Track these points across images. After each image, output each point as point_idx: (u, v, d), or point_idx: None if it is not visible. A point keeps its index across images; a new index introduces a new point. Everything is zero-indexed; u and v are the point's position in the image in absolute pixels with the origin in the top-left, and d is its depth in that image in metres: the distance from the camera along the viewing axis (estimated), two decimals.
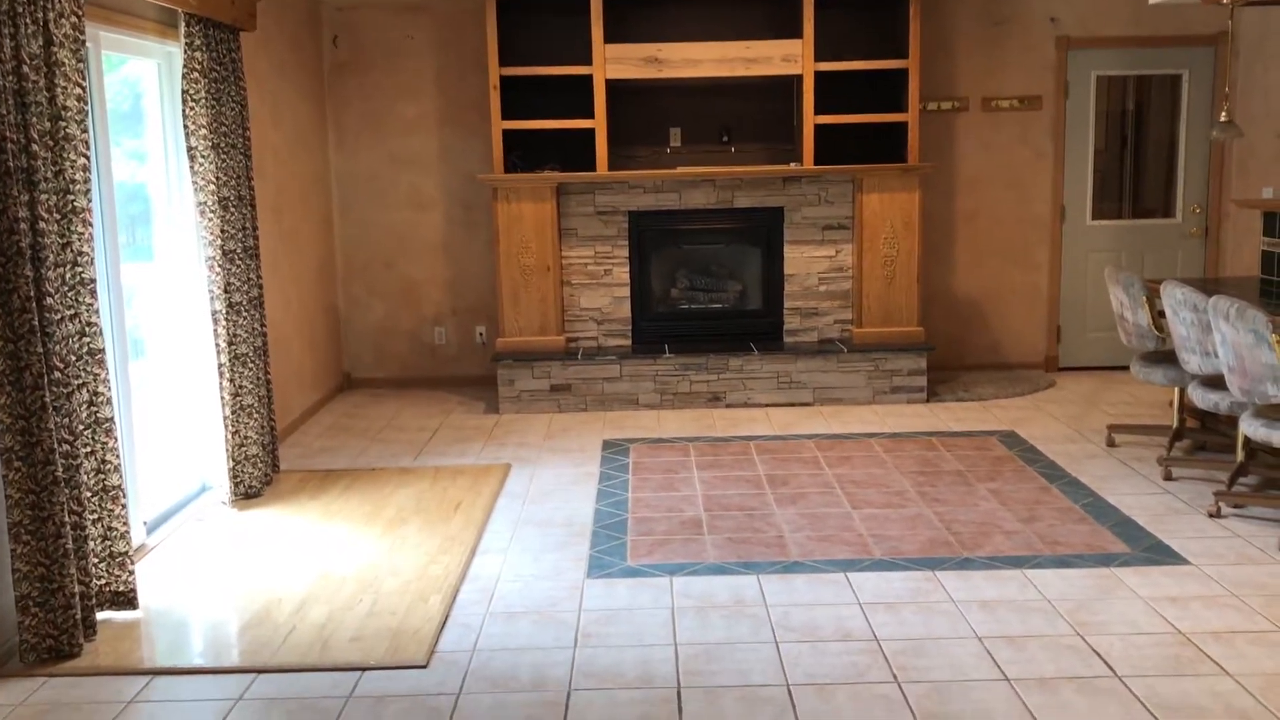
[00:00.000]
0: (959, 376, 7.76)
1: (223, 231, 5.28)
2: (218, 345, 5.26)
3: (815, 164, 7.19)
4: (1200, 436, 5.97)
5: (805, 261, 7.36)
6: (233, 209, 5.38)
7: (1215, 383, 5.14)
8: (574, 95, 7.17)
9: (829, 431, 6.49)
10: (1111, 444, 6.07)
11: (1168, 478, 5.44)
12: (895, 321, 7.28)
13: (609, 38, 7.09)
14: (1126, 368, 7.89)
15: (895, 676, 3.51)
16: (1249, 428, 4.62)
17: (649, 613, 4.03)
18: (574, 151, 7.28)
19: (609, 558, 4.58)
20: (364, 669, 3.66)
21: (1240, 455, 5.23)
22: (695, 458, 6.01)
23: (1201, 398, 5.13)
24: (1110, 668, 3.53)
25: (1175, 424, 5.85)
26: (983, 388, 7.44)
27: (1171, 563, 4.38)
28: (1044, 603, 4.03)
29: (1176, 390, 5.82)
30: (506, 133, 7.19)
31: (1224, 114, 5.88)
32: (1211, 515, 4.89)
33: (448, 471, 5.84)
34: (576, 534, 4.88)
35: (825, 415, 6.89)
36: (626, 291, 7.37)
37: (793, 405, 7.14)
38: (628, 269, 7.34)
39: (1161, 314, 5.58)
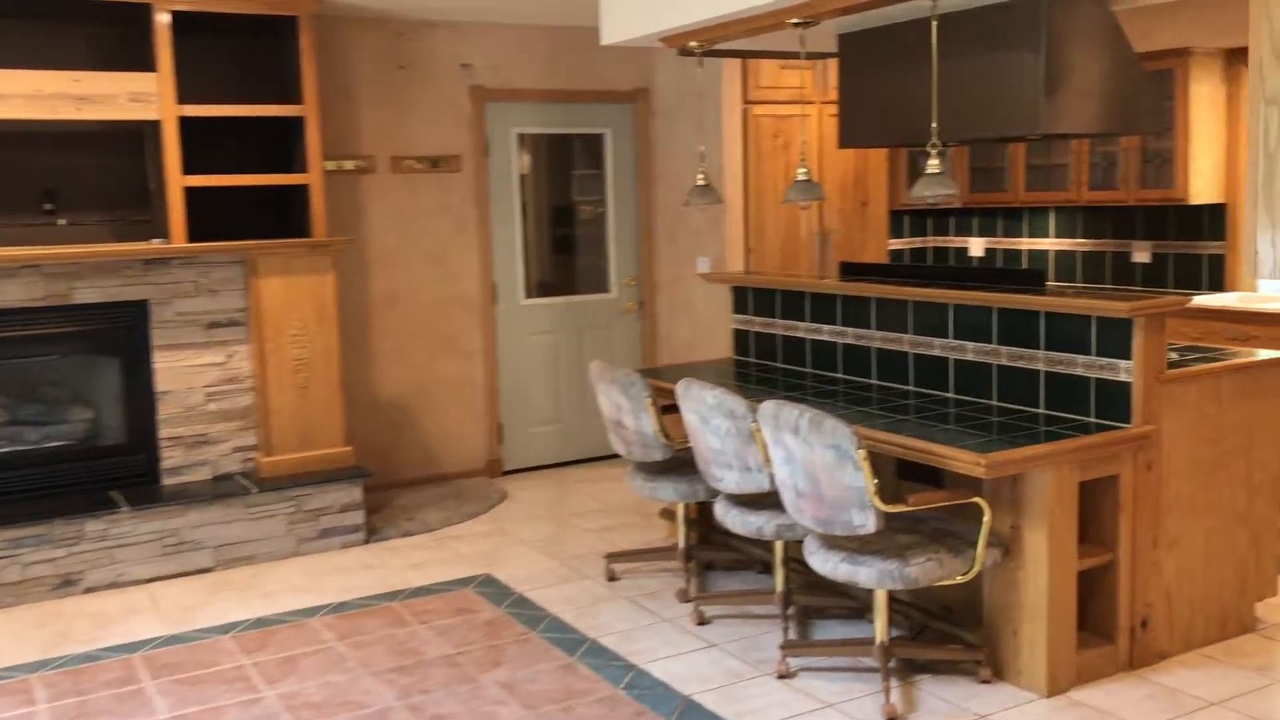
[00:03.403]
0: (395, 499, 6.23)
1: None
2: None
3: (189, 240, 5.27)
4: (705, 554, 5.05)
5: (186, 372, 5.39)
6: None
7: (753, 501, 4.17)
8: None
9: (251, 615, 4.61)
10: (613, 578, 4.93)
11: (702, 622, 4.39)
12: (316, 443, 5.57)
13: None
14: (571, 463, 6.96)
15: None
16: (825, 564, 3.67)
17: None
18: None
19: None
20: None
21: (780, 584, 4.31)
22: (47, 704, 3.83)
23: (741, 522, 4.13)
24: None
25: (684, 544, 4.85)
26: (429, 512, 5.99)
27: None
28: None
29: (683, 506, 4.82)
30: None
31: (701, 176, 5.05)
32: (782, 676, 3.88)
33: None
34: None
35: (238, 586, 4.98)
36: None
37: (188, 575, 5.12)
38: None
39: (669, 409, 4.56)
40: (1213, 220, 6.30)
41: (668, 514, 5.37)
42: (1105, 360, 3.82)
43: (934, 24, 3.88)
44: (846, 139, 5.00)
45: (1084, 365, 3.90)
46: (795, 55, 5.52)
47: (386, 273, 6.39)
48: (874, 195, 6.86)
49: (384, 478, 6.37)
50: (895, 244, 7.65)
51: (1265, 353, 4.15)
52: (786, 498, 3.77)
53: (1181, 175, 6.07)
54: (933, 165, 3.81)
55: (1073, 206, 6.87)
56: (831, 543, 3.72)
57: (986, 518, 3.58)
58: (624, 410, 4.61)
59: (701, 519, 5.22)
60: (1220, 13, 5.70)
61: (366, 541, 5.52)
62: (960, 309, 4.34)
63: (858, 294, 4.78)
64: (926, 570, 3.55)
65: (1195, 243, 6.40)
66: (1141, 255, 6.67)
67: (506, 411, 6.81)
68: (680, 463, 4.71)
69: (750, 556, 4.94)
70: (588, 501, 6.19)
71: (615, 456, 6.82)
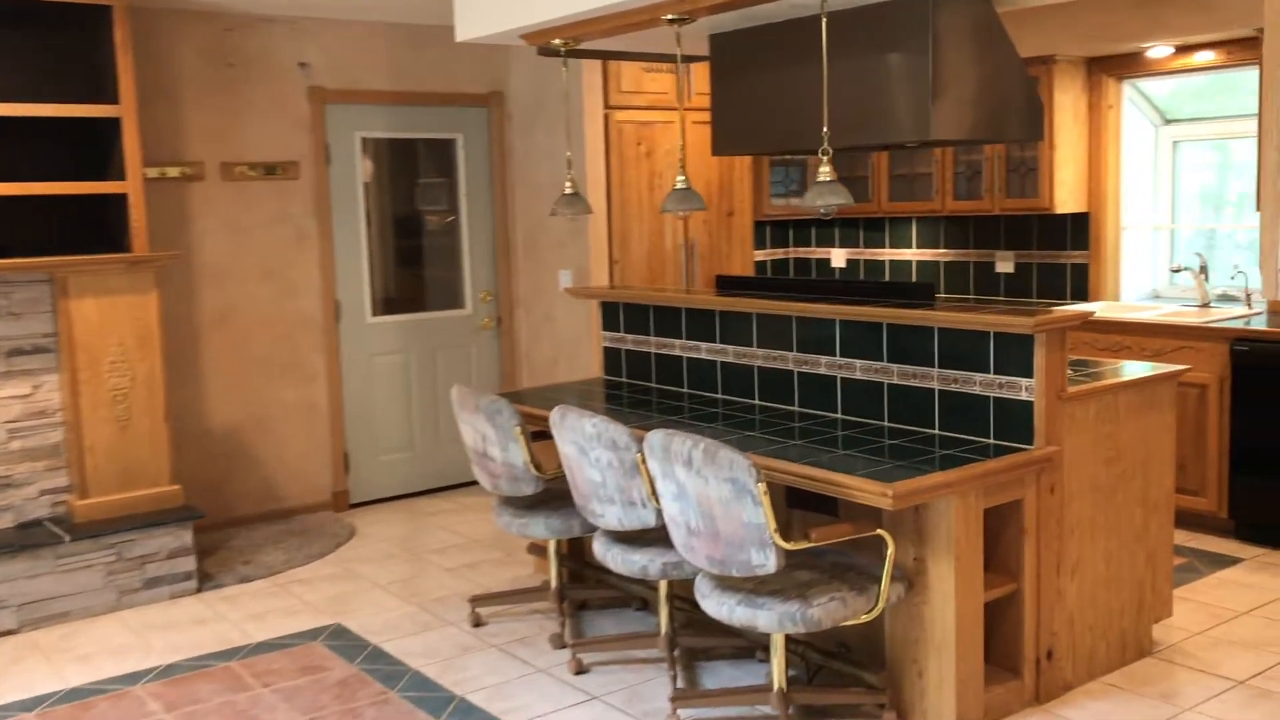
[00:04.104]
0: (231, 540, 5.66)
1: None
2: None
3: None
4: (579, 592, 4.68)
5: None
6: None
7: (635, 538, 3.83)
8: None
9: (62, 685, 4.02)
10: (479, 623, 4.51)
11: (580, 671, 4.02)
12: (139, 482, 4.98)
13: None
14: (425, 493, 6.51)
15: None
16: (720, 608, 3.35)
17: None
18: None
19: None
20: None
21: (664, 626, 3.98)
22: None
23: (623, 561, 3.78)
24: None
25: (556, 583, 4.47)
26: (269, 554, 5.44)
27: None
28: None
29: (553, 543, 4.44)
30: None
31: (569, 184, 4.68)
32: None
33: None
34: None
35: (48, 650, 4.37)
36: None
37: None
38: None
39: (538, 435, 4.21)
40: (1075, 230, 6.29)
41: (536, 548, 4.99)
42: (1005, 378, 3.62)
43: (824, 21, 3.61)
44: (720, 146, 4.71)
45: (982, 384, 3.69)
46: (663, 58, 5.24)
47: (218, 290, 5.81)
48: (739, 205, 6.63)
49: (218, 516, 5.78)
50: (759, 255, 7.46)
51: (1159, 367, 4.03)
52: (677, 536, 3.45)
53: (1047, 185, 6.02)
54: (824, 172, 3.54)
55: (936, 216, 6.79)
56: (726, 583, 3.41)
57: (890, 551, 3.32)
58: (490, 440, 4.21)
59: (573, 553, 4.87)
60: (1082, 19, 5.66)
61: (199, 590, 4.96)
62: (848, 325, 4.09)
63: (737, 309, 4.49)
64: (830, 611, 3.27)
65: (1059, 252, 6.37)
66: (1005, 265, 6.62)
67: (353, 439, 6.30)
68: (552, 495, 4.34)
69: (627, 593, 4.60)
70: (446, 535, 5.74)
71: (472, 483, 6.42)
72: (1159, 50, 5.73)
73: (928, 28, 3.84)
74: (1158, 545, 4.01)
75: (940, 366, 3.81)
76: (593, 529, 4.09)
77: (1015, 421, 3.61)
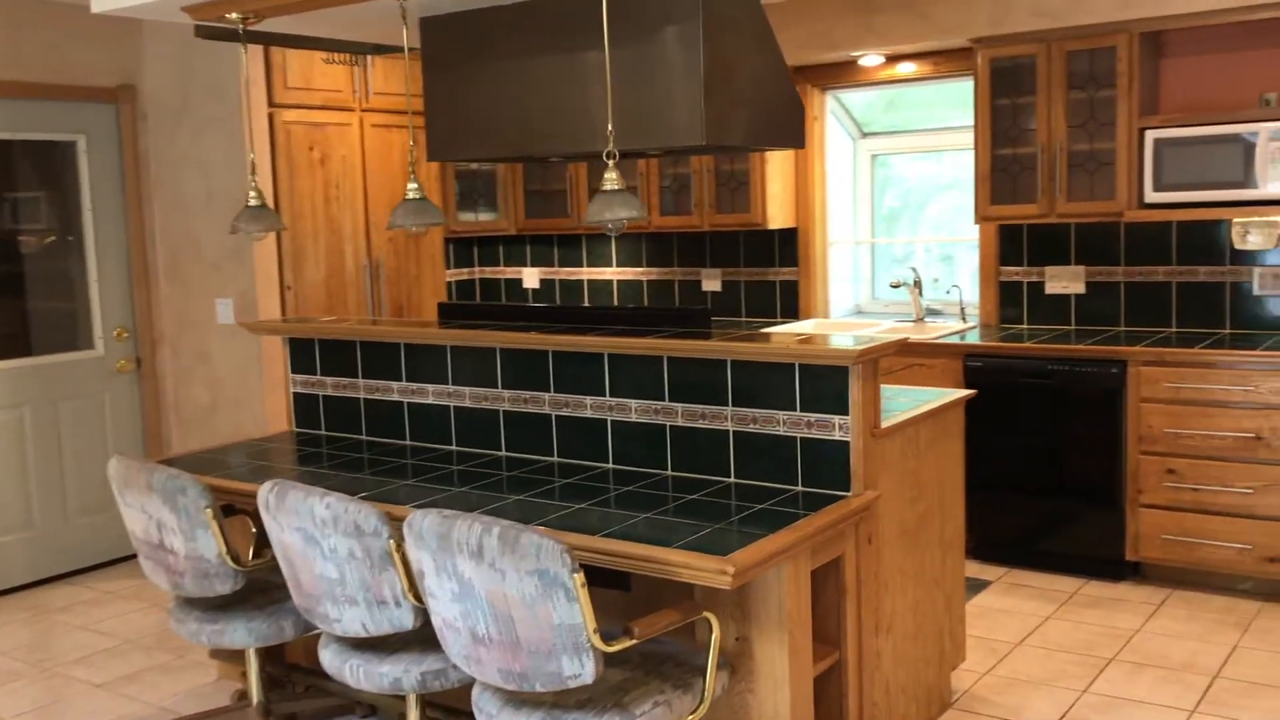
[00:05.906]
0: None
1: None
2: None
3: None
4: (287, 705, 3.75)
5: None
6: None
7: (379, 643, 3.01)
8: None
9: None
10: None
11: None
12: None
13: None
14: (54, 580, 5.25)
15: None
16: None
17: None
18: None
19: None
20: None
21: None
22: None
23: (367, 674, 2.94)
24: None
25: (259, 696, 3.53)
26: None
27: None
28: None
29: (253, 651, 3.50)
30: None
31: (254, 195, 3.72)
32: None
33: None
34: None
35: None
36: None
37: None
38: None
39: (232, 510, 3.28)
40: (783, 246, 6.05)
41: (222, 650, 3.99)
42: (815, 416, 3.14)
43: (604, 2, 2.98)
44: (437, 150, 3.96)
45: (787, 423, 3.20)
46: (364, 48, 4.43)
47: None
48: None
49: None
50: (449, 275, 6.72)
51: (949, 392, 3.73)
52: (455, 645, 2.67)
53: (759, 199, 5.73)
54: (611, 180, 2.91)
55: (639, 233, 6.35)
56: (520, 697, 2.68)
57: (716, 634, 2.74)
58: (169, 529, 3.21)
59: (271, 652, 3.91)
60: (796, 24, 5.41)
61: None
62: (619, 359, 3.48)
63: (476, 344, 3.76)
64: (655, 719, 2.64)
65: (767, 270, 6.12)
66: (712, 284, 6.29)
67: None
68: (253, 589, 3.43)
69: (349, 698, 3.73)
70: (89, 637, 4.55)
71: (117, 562, 5.26)
72: (869, 60, 5.58)
73: (698, 14, 3.32)
74: (953, 587, 3.71)
75: (735, 405, 3.28)
76: (309, 628, 3.23)
77: (828, 465, 3.14)
